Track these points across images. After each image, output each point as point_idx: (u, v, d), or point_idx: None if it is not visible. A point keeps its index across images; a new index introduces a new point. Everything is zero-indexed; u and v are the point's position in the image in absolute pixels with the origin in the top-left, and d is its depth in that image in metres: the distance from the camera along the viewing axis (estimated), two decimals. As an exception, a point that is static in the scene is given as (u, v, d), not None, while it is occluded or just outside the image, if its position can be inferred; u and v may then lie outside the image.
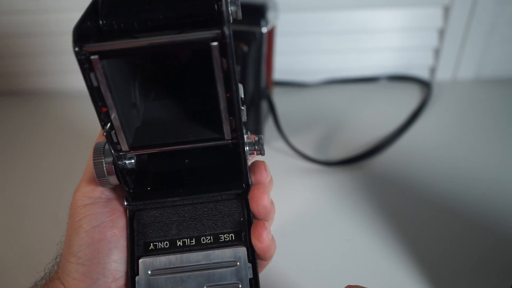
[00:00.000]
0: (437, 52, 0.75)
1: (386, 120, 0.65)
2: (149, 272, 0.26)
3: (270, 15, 0.53)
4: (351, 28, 0.71)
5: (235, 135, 0.25)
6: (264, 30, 0.52)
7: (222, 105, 0.23)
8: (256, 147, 0.27)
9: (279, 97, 0.67)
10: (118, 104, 0.23)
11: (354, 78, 0.76)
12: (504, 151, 0.59)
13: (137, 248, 0.27)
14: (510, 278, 0.40)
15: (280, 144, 0.59)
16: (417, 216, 0.48)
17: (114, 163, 0.25)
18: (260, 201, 0.27)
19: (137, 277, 0.26)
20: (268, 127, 0.62)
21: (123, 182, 0.27)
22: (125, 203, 0.28)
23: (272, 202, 0.27)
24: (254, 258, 0.27)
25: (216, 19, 0.22)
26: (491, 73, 0.77)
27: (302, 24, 0.70)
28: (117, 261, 0.27)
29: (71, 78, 0.74)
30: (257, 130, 0.59)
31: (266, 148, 0.52)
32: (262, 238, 0.26)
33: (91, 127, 0.65)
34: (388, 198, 0.50)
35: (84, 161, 0.30)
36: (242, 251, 0.27)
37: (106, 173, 0.26)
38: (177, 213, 0.28)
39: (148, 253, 0.27)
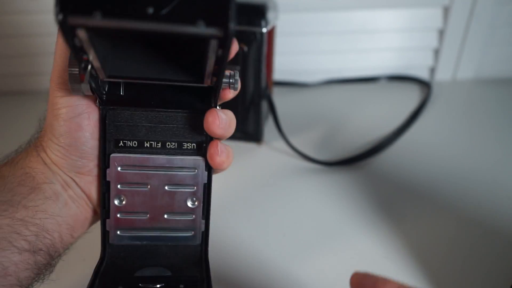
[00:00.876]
0: (436, 52, 0.75)
1: (386, 120, 0.65)
2: (119, 166, 0.30)
3: (270, 15, 0.53)
4: (351, 28, 0.72)
5: (213, 84, 0.26)
6: (264, 30, 0.52)
7: (208, 69, 0.24)
8: (230, 80, 0.28)
9: (279, 97, 0.67)
10: (100, 51, 0.23)
11: (354, 78, 0.77)
12: (504, 151, 0.59)
13: (108, 144, 0.30)
14: (510, 278, 0.40)
15: (280, 144, 0.59)
16: (417, 216, 0.48)
17: (89, 76, 0.25)
18: (211, 128, 0.29)
19: (108, 170, 0.29)
20: (268, 127, 0.62)
21: (96, 90, 0.27)
22: (98, 104, 0.29)
23: (224, 129, 0.29)
24: (210, 168, 0.30)
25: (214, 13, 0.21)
26: (491, 73, 0.77)
27: (302, 24, 0.71)
28: (93, 148, 0.30)
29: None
30: (257, 130, 0.59)
31: (266, 148, 0.52)
32: (214, 158, 0.30)
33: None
34: (388, 198, 0.50)
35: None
36: (201, 161, 0.30)
37: (79, 81, 0.26)
38: (147, 118, 0.30)
39: (118, 149, 0.30)
